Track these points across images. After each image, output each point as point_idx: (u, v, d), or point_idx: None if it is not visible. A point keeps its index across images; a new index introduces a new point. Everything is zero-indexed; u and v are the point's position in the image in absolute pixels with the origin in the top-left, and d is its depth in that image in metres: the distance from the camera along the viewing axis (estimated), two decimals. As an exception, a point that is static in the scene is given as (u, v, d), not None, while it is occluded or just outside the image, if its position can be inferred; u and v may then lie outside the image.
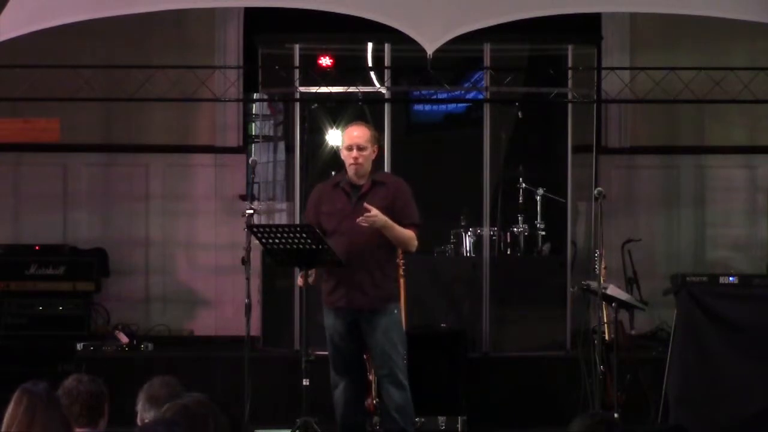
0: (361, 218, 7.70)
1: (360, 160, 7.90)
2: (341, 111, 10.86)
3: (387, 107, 10.24)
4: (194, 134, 11.37)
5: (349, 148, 7.92)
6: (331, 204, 8.02)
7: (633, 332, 9.37)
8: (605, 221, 8.57)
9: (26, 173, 11.28)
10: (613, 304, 8.66)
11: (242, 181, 10.92)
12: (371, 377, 8.98)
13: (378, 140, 8.10)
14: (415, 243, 7.93)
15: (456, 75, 10.75)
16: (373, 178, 7.98)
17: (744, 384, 8.64)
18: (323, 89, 9.92)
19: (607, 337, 8.76)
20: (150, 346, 10.22)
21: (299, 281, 8.04)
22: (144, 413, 4.99)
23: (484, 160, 10.18)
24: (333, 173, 9.98)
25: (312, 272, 7.93)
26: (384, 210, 7.80)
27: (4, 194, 11.24)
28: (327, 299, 8.03)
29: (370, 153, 7.94)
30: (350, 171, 7.97)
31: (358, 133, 7.95)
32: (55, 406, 4.72)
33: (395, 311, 7.98)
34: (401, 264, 9.12)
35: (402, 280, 9.07)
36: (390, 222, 7.79)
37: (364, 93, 10.30)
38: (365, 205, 7.75)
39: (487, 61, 10.15)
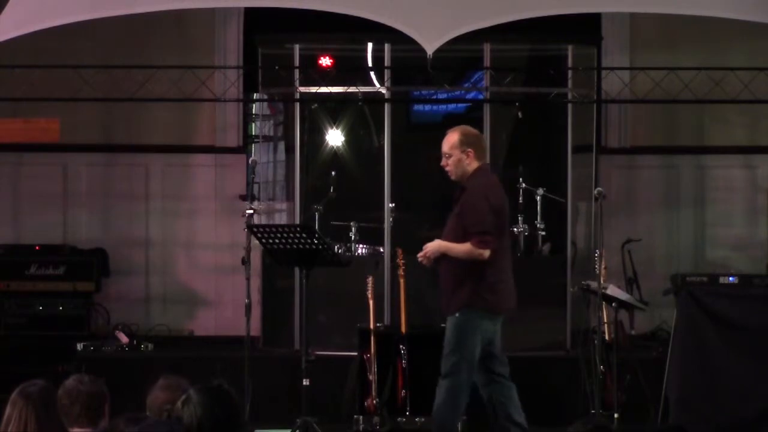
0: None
1: (447, 168, 8.01)
2: (341, 111, 10.86)
3: (387, 107, 10.25)
4: (194, 134, 11.37)
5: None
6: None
7: (633, 332, 9.36)
8: (605, 221, 8.57)
9: (26, 173, 11.28)
10: (613, 304, 8.66)
11: (242, 181, 10.92)
12: (371, 377, 9.00)
13: (472, 144, 7.97)
14: (477, 252, 7.75)
15: (456, 75, 10.75)
16: (465, 183, 7.99)
17: (744, 384, 8.64)
18: (323, 89, 9.92)
19: (607, 337, 8.76)
20: (150, 346, 10.23)
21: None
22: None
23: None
24: (333, 173, 10.02)
25: None
26: (456, 216, 7.91)
27: (4, 194, 11.24)
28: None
29: (457, 159, 7.95)
30: None
31: (446, 139, 8.02)
32: (51, 406, 4.72)
33: (457, 315, 7.88)
34: (401, 264, 9.14)
35: (402, 281, 9.10)
36: (444, 245, 7.87)
37: (364, 93, 10.29)
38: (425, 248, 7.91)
39: (487, 61, 10.15)
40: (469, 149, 7.93)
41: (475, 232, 7.75)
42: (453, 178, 8.00)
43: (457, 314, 7.84)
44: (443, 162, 8.01)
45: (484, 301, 7.85)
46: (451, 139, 7.98)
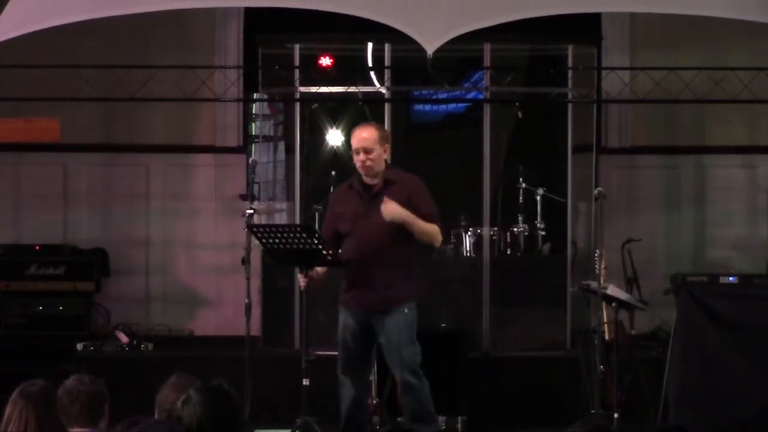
0: (383, 208, 7.70)
1: (368, 163, 7.89)
2: (341, 111, 10.86)
3: (387, 107, 10.25)
4: (194, 134, 11.38)
5: (357, 152, 7.91)
6: (344, 206, 8.02)
7: (633, 332, 9.36)
8: (605, 221, 8.57)
9: (26, 173, 11.29)
10: (613, 304, 8.66)
11: (242, 181, 10.92)
12: (371, 378, 8.99)
13: (387, 139, 8.00)
14: (440, 237, 7.86)
15: (456, 75, 10.75)
16: (386, 176, 7.93)
17: (744, 384, 8.63)
18: (323, 89, 9.93)
19: (607, 337, 8.75)
20: (150, 346, 10.23)
21: (301, 283, 8.03)
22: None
23: (484, 160, 10.18)
24: (333, 173, 10.03)
25: (315, 272, 7.94)
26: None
27: (4, 194, 11.25)
28: (342, 298, 8.06)
29: (378, 154, 7.88)
30: (361, 173, 7.96)
31: (366, 135, 7.92)
32: (51, 406, 4.73)
33: (405, 311, 7.88)
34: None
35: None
36: (412, 215, 7.75)
37: (364, 93, 10.29)
38: (385, 198, 7.75)
39: (487, 61, 10.16)
40: (387, 144, 7.98)
41: (437, 220, 7.83)
42: (371, 174, 7.91)
43: (405, 310, 7.86)
44: (362, 157, 7.88)
45: (419, 292, 7.99)
46: (373, 135, 7.93)
